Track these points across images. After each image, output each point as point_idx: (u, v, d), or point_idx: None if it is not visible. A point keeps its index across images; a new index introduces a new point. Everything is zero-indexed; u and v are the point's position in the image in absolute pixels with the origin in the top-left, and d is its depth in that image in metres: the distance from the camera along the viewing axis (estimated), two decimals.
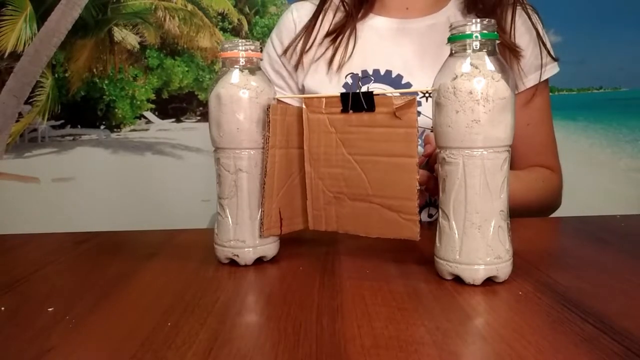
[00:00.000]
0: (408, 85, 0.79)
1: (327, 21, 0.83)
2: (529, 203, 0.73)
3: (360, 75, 0.81)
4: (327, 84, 0.82)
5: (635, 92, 1.67)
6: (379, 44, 0.82)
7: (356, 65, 0.81)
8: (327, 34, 0.82)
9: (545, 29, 0.82)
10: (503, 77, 0.43)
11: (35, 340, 0.36)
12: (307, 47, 0.83)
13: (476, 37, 0.43)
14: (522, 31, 0.79)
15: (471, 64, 0.43)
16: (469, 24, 0.44)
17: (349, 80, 0.81)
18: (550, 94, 0.84)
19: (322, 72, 0.83)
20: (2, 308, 0.43)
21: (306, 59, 0.84)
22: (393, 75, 0.80)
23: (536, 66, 0.80)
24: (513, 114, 0.44)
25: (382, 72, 0.80)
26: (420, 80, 0.79)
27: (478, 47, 0.44)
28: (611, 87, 1.68)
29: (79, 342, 0.36)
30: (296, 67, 0.84)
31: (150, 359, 0.33)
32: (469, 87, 0.43)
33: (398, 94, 0.48)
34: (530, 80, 0.80)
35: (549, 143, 0.84)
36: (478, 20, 0.44)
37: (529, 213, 0.72)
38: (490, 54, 0.44)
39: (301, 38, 0.83)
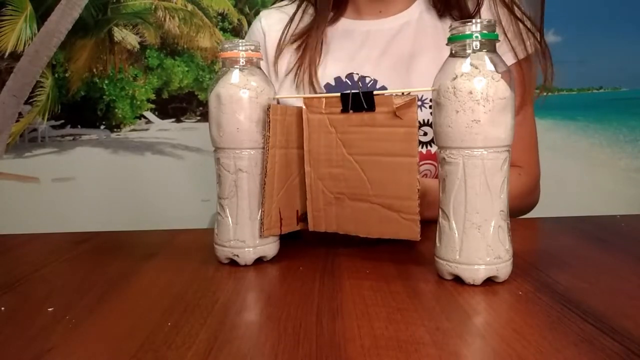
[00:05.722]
0: (383, 88, 0.77)
1: (298, 29, 0.81)
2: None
3: (358, 74, 0.80)
4: (300, 93, 0.79)
5: (635, 92, 1.67)
6: (352, 47, 0.80)
7: (330, 72, 0.79)
8: (295, 41, 0.80)
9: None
10: (503, 77, 0.43)
11: (35, 340, 0.36)
12: (279, 56, 0.81)
13: (476, 37, 0.44)
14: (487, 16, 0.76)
15: (471, 64, 0.43)
16: (468, 24, 0.44)
17: (350, 75, 0.79)
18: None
19: (293, 82, 0.80)
20: (2, 308, 0.43)
21: (280, 69, 0.81)
22: (367, 81, 0.77)
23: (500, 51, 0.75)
24: (513, 114, 0.44)
25: (356, 78, 0.78)
26: (395, 82, 0.76)
27: (478, 47, 0.44)
28: (611, 87, 1.68)
29: (79, 342, 0.36)
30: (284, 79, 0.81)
31: (150, 359, 0.33)
32: (469, 87, 0.43)
33: (399, 94, 0.48)
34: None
35: (523, 137, 0.76)
36: (478, 20, 0.44)
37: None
38: (490, 53, 0.44)
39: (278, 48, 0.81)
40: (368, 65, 0.79)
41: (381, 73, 0.78)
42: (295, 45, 0.81)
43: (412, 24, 0.79)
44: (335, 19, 0.81)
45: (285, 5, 0.85)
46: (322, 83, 0.79)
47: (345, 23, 0.82)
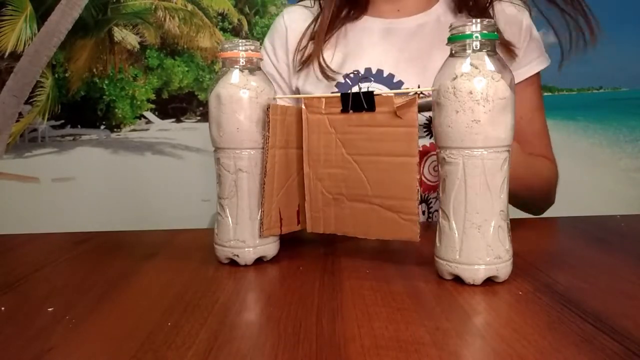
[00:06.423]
0: (400, 83, 0.79)
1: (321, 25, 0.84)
2: (532, 183, 0.74)
3: (357, 74, 0.81)
4: (319, 84, 0.82)
5: (635, 92, 1.67)
6: (370, 43, 0.83)
7: (348, 65, 0.82)
8: (318, 39, 0.83)
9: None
10: (503, 77, 0.43)
11: (35, 340, 0.36)
12: (299, 49, 0.84)
13: (476, 37, 0.44)
14: (512, 25, 0.79)
15: (471, 64, 0.43)
16: (468, 24, 0.44)
17: (346, 80, 0.81)
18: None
19: (315, 73, 0.82)
20: (2, 308, 0.43)
21: (297, 62, 0.84)
22: (385, 74, 0.80)
23: (526, 60, 0.80)
24: (513, 114, 0.44)
25: (374, 71, 0.81)
26: (412, 78, 0.79)
27: (478, 47, 0.44)
28: (611, 87, 1.68)
29: (79, 342, 0.36)
30: (300, 70, 0.84)
31: (150, 359, 0.33)
32: (469, 87, 0.43)
33: (398, 93, 0.48)
34: (520, 74, 0.80)
35: (542, 135, 0.84)
36: (478, 20, 0.44)
37: (527, 193, 0.73)
38: (490, 54, 0.44)
39: (303, 43, 0.84)
40: (386, 61, 0.81)
41: (399, 69, 0.80)
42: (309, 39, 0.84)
43: (429, 25, 0.81)
44: (356, 17, 0.85)
45: (308, 6, 0.88)
46: (341, 74, 0.81)
47: (366, 21, 0.85)
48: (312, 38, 0.83)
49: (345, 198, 0.52)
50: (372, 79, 0.80)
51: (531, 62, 0.80)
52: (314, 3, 0.87)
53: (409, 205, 0.48)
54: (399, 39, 0.82)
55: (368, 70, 0.81)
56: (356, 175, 0.51)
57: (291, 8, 0.90)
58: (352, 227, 0.53)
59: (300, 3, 0.90)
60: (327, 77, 0.80)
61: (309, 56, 0.82)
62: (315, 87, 0.83)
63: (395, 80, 0.80)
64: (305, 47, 0.83)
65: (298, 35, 0.84)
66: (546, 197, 0.82)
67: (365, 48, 0.82)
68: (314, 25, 0.83)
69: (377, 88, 0.79)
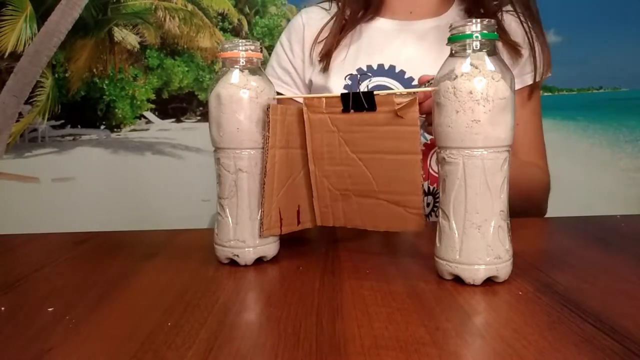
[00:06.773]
0: (410, 79, 0.81)
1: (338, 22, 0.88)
2: (520, 184, 0.74)
3: (357, 73, 0.82)
4: (333, 77, 0.85)
5: (635, 92, 1.67)
6: (383, 41, 0.86)
7: (362, 60, 0.85)
8: (335, 33, 0.86)
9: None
10: (503, 77, 0.43)
11: (35, 340, 0.36)
12: (315, 46, 0.87)
13: (476, 37, 0.44)
14: (518, 33, 0.81)
15: (471, 64, 0.43)
16: (468, 24, 0.44)
17: (351, 76, 0.83)
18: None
19: (329, 67, 0.85)
20: (2, 308, 0.43)
21: (315, 54, 0.88)
22: (396, 70, 0.83)
23: (529, 68, 0.81)
24: (513, 114, 0.44)
25: (386, 67, 0.83)
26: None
27: (478, 47, 0.44)
28: (611, 87, 1.68)
29: (79, 342, 0.36)
30: (324, 69, 0.87)
31: (150, 359, 0.33)
32: (469, 87, 0.43)
33: (399, 91, 0.48)
34: (522, 81, 0.81)
35: (538, 145, 0.85)
36: (478, 20, 0.44)
37: (517, 196, 0.72)
38: (490, 54, 0.44)
39: (321, 41, 0.87)
40: (398, 58, 0.83)
41: (410, 66, 0.82)
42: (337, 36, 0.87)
43: (440, 29, 0.83)
44: (370, 18, 0.88)
45: (325, 8, 0.91)
46: (355, 68, 0.84)
47: (380, 22, 0.88)
48: (329, 34, 0.86)
49: (352, 194, 0.53)
50: (371, 75, 0.82)
51: (524, 75, 0.82)
52: (331, 5, 0.90)
53: (414, 199, 0.50)
54: (411, 38, 0.85)
55: (380, 66, 0.84)
56: (361, 172, 0.52)
57: (309, 8, 0.94)
58: (361, 220, 0.54)
59: (317, 4, 0.94)
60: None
61: (324, 52, 0.85)
62: (327, 80, 0.85)
63: (406, 77, 0.82)
64: (322, 41, 0.86)
65: (315, 31, 0.87)
66: (536, 206, 0.82)
67: (378, 45, 0.85)
68: (332, 23, 0.86)
69: (389, 83, 0.82)
